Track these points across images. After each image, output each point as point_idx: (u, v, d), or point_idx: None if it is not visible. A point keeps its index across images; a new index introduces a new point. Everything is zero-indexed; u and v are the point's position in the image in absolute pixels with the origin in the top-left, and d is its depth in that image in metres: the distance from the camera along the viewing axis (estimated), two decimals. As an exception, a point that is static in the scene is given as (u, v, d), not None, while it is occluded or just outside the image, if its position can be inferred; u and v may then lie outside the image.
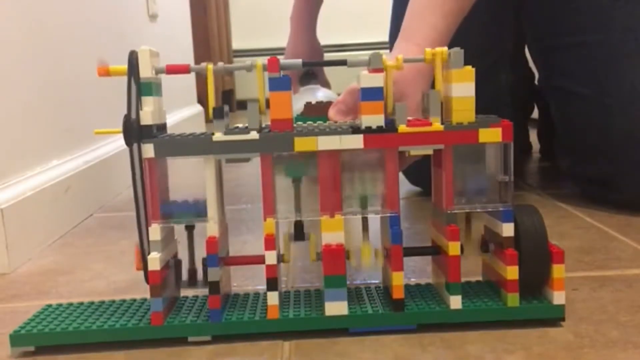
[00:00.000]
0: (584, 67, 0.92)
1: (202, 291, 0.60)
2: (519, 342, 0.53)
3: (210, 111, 0.54)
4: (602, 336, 0.53)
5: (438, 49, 0.56)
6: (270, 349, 0.53)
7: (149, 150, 0.54)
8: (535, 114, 1.40)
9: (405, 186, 1.08)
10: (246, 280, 0.70)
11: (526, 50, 1.21)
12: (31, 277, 0.76)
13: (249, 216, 1.00)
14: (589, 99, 0.91)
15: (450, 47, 0.57)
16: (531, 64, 1.19)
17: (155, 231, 0.55)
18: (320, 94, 1.01)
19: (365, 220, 0.58)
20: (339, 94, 0.73)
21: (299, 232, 0.59)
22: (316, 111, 0.69)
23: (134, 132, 0.54)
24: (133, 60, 0.54)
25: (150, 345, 0.55)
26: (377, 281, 0.67)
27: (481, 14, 0.86)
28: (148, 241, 0.55)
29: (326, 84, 1.12)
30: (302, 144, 0.54)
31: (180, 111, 1.88)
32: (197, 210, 0.56)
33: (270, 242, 0.55)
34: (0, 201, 0.79)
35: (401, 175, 1.06)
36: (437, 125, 0.54)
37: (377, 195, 0.56)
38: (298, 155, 0.55)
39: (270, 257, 0.55)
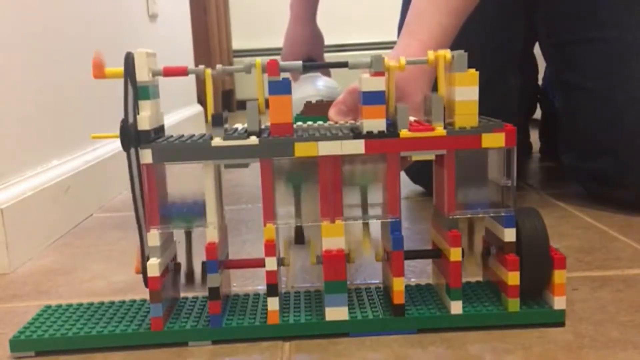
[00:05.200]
0: (595, 63, 0.92)
1: (202, 292, 0.60)
2: (519, 342, 0.53)
3: (210, 117, 0.53)
4: (602, 336, 0.53)
5: (440, 52, 0.55)
6: (270, 349, 0.53)
7: (147, 155, 0.53)
8: (536, 114, 1.39)
9: (406, 186, 1.08)
10: (246, 281, 0.70)
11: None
12: (31, 277, 0.76)
13: (249, 216, 1.00)
14: (598, 95, 0.91)
15: (456, 47, 0.56)
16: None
17: (154, 237, 0.54)
18: (321, 82, 1.00)
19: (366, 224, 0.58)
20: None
21: (299, 237, 0.59)
22: (316, 111, 0.69)
23: (131, 137, 0.52)
24: (129, 63, 0.53)
25: (150, 344, 0.55)
26: (377, 281, 0.67)
27: (489, 12, 0.84)
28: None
29: (326, 72, 1.11)
30: (302, 150, 0.53)
31: (180, 111, 1.88)
32: (196, 212, 0.55)
33: (271, 248, 0.54)
34: (0, 201, 0.79)
35: (402, 174, 1.05)
36: (439, 130, 0.53)
37: (378, 199, 0.56)
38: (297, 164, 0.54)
39: (271, 263, 0.55)
